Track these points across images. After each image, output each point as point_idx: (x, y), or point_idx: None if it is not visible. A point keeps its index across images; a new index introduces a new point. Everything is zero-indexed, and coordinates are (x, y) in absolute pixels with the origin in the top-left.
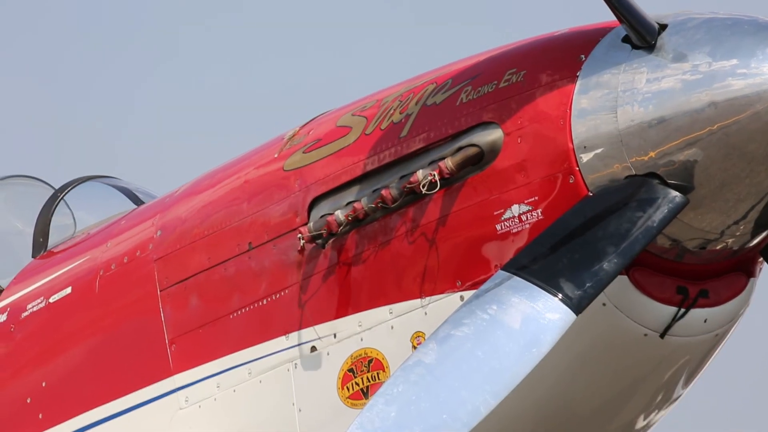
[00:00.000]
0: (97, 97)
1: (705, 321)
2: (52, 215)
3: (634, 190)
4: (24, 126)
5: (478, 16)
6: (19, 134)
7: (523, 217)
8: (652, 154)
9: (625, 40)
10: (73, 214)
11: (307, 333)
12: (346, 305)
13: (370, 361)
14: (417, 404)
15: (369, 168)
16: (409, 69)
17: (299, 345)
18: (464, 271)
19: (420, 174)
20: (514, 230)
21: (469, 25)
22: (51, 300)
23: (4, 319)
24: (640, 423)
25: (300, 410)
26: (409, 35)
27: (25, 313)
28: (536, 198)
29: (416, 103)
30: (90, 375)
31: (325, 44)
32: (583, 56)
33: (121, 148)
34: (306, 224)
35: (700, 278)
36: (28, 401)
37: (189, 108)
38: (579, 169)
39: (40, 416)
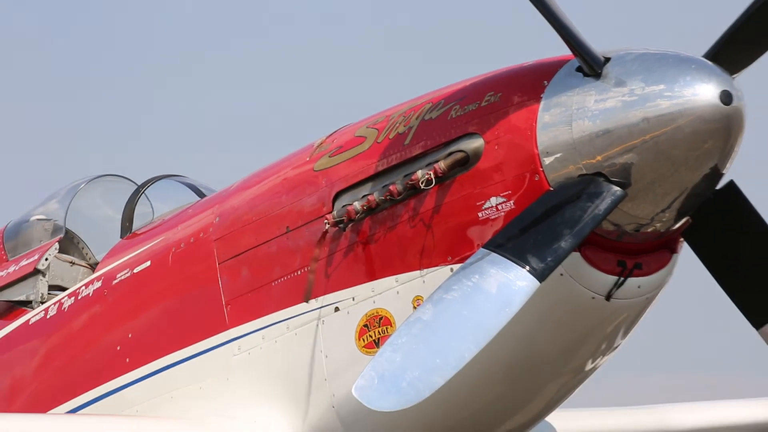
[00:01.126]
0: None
1: (639, 287)
2: (135, 205)
3: (584, 185)
4: (98, 134)
5: (464, 53)
6: (97, 140)
7: (499, 207)
8: (599, 157)
9: (578, 69)
10: (151, 205)
11: (332, 297)
12: (361, 275)
13: (380, 319)
14: (417, 351)
15: (380, 168)
16: (411, 92)
17: (326, 306)
18: (453, 248)
19: (419, 173)
20: (492, 217)
21: (459, 63)
22: (135, 271)
23: (100, 285)
24: (589, 366)
25: (326, 356)
26: (414, 67)
27: (115, 281)
28: (509, 192)
29: (416, 118)
30: (165, 328)
31: (340, 70)
32: (546, 82)
33: (186, 152)
34: (331, 212)
35: (635, 254)
36: (118, 348)
37: (245, 120)
38: (542, 170)
39: (127, 360)
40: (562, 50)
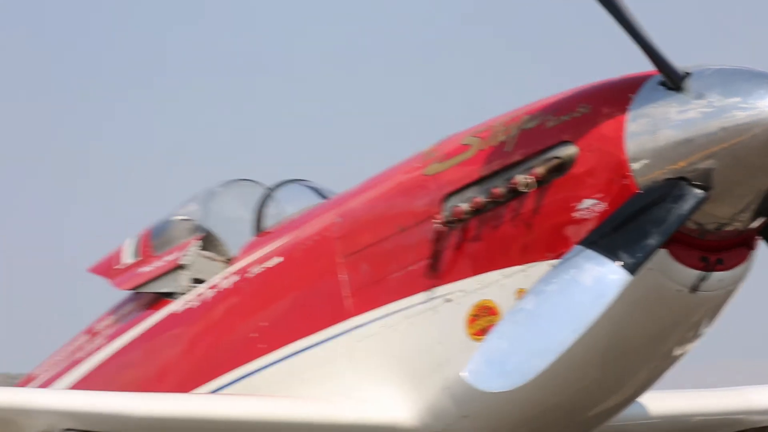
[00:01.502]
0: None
1: (720, 280)
2: (266, 204)
3: (669, 188)
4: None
5: (556, 69)
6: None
7: (592, 208)
8: (681, 163)
9: (662, 83)
10: (281, 205)
11: (444, 289)
12: (469, 269)
13: (488, 309)
14: (520, 338)
15: (484, 173)
16: (507, 105)
17: (438, 297)
18: (552, 245)
19: (520, 178)
20: (586, 217)
21: (552, 77)
22: (267, 265)
23: (235, 278)
24: (676, 352)
25: (439, 343)
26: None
27: (249, 275)
28: (601, 194)
29: (516, 128)
30: (294, 318)
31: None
32: (632, 95)
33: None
34: (440, 213)
35: (717, 250)
36: (253, 336)
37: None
38: (631, 174)
39: (261, 346)
40: (646, 66)
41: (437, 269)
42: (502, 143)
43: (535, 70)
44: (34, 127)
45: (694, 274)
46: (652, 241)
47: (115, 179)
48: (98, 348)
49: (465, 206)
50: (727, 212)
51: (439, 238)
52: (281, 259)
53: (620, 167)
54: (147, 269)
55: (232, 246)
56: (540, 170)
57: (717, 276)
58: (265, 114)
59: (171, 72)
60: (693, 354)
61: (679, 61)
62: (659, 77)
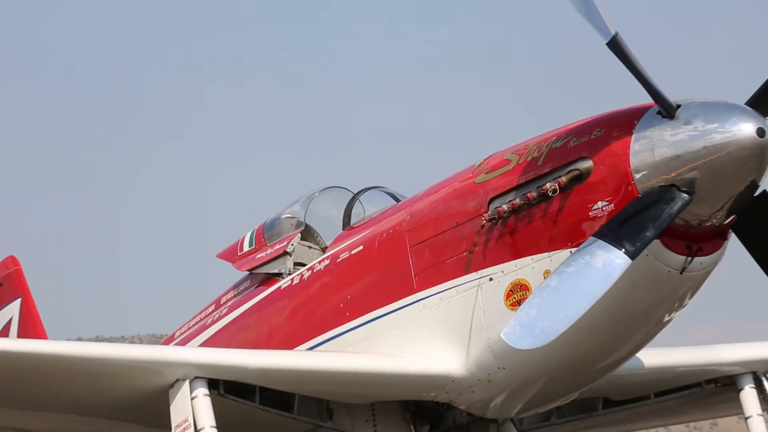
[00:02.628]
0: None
1: (701, 264)
2: (352, 206)
3: (663, 193)
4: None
5: (574, 102)
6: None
7: (604, 208)
8: (672, 174)
9: (658, 113)
10: (363, 207)
11: (487, 270)
12: (508, 255)
13: (521, 286)
14: (545, 308)
15: (521, 182)
16: (539, 129)
17: (483, 277)
18: (572, 237)
19: (548, 185)
20: (599, 215)
21: (571, 108)
22: (352, 252)
23: (328, 262)
24: (665, 319)
25: (483, 312)
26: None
27: (339, 260)
28: (611, 198)
29: (546, 146)
30: (372, 292)
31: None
32: (635, 121)
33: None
34: (487, 212)
35: (698, 241)
36: (341, 306)
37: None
38: (634, 182)
39: (347, 314)
40: (646, 99)
41: (483, 255)
42: (535, 159)
43: (559, 102)
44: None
45: (681, 258)
46: (648, 233)
47: (239, 185)
48: (222, 316)
49: (505, 207)
50: (706, 211)
51: (484, 231)
52: (363, 247)
53: (625, 177)
54: (261, 255)
55: (326, 238)
56: (564, 179)
57: (698, 260)
58: (353, 131)
59: (289, 95)
60: (678, 319)
61: (672, 94)
62: (656, 108)
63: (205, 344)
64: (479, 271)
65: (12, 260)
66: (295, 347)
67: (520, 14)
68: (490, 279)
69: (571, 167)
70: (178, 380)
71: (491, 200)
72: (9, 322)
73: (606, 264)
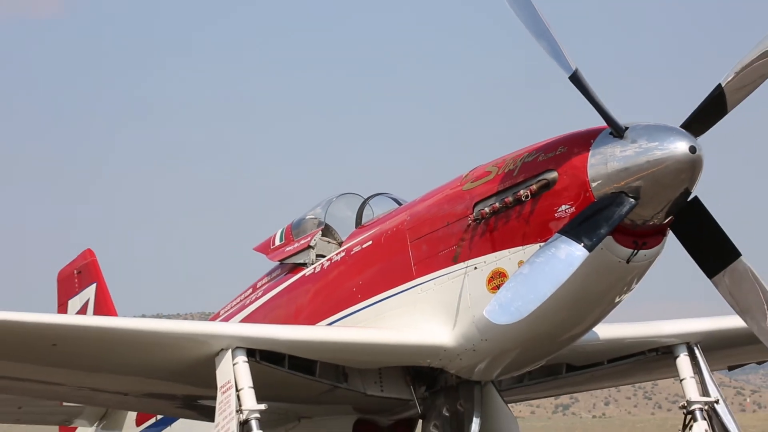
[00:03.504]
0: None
1: (645, 255)
2: (363, 209)
3: (614, 198)
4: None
5: (541, 124)
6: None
7: (567, 211)
8: (622, 183)
9: (610, 133)
10: (372, 209)
11: (472, 261)
12: (489, 249)
13: (500, 273)
14: (519, 291)
15: (500, 189)
16: (515, 145)
17: (469, 266)
18: (541, 234)
19: (522, 192)
20: (563, 216)
21: (538, 130)
22: (363, 246)
23: (344, 254)
24: (616, 300)
25: (469, 294)
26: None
27: (352, 252)
28: (572, 202)
29: (520, 160)
30: (379, 278)
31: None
32: (592, 140)
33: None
34: (472, 214)
35: (642, 237)
36: (354, 290)
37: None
38: (591, 190)
39: (359, 296)
40: (599, 122)
41: (469, 248)
42: (511, 170)
43: (530, 123)
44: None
45: (628, 251)
46: (602, 230)
47: (267, 190)
48: (258, 297)
49: (487, 209)
50: (649, 213)
51: (470, 229)
52: (372, 242)
53: (584, 185)
54: (289, 248)
55: (342, 234)
56: (534, 187)
57: (643, 252)
58: (365, 143)
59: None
60: (626, 301)
61: (622, 117)
62: (609, 129)
63: (244, 321)
64: (466, 262)
65: (89, 252)
66: (317, 323)
67: (497, 50)
68: (475, 268)
69: (540, 177)
70: (222, 350)
71: (476, 204)
72: (86, 303)
73: (568, 255)
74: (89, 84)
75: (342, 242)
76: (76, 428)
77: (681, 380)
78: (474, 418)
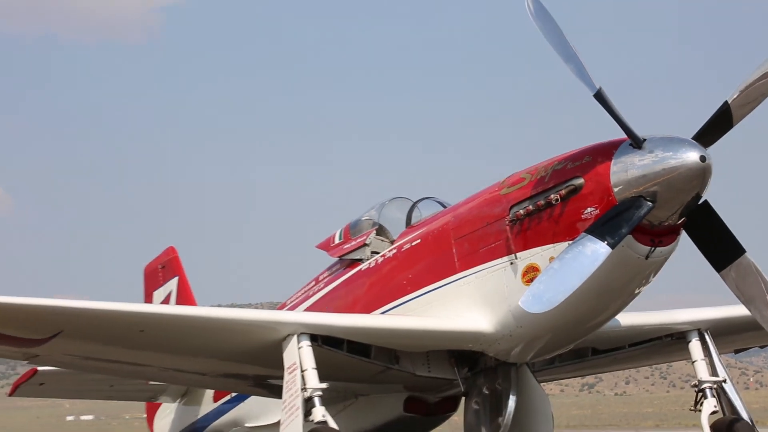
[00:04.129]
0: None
1: (661, 252)
2: (412, 211)
3: (633, 202)
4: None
5: (573, 135)
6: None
7: (592, 213)
8: (640, 188)
9: (630, 144)
10: (420, 211)
11: (509, 257)
12: (523, 246)
13: (533, 268)
14: (550, 283)
15: (533, 193)
16: (547, 153)
17: (508, 262)
18: (570, 233)
19: (552, 196)
20: (589, 217)
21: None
22: (412, 244)
23: (395, 251)
24: (636, 291)
25: (506, 286)
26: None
27: (403, 249)
28: (597, 205)
29: (551, 168)
30: (427, 272)
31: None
32: (614, 151)
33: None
34: (508, 215)
35: (659, 235)
36: (404, 282)
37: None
38: (613, 194)
39: (409, 288)
40: (620, 133)
41: (506, 246)
42: (543, 177)
43: (559, 137)
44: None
45: (646, 248)
46: (624, 230)
47: (327, 192)
48: (320, 289)
49: (522, 211)
50: (664, 215)
51: (507, 229)
52: (420, 240)
53: (607, 191)
54: (347, 246)
55: (393, 233)
56: (563, 192)
57: (659, 250)
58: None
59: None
60: (645, 291)
61: (641, 130)
62: (629, 141)
63: (308, 310)
64: (503, 257)
65: (171, 249)
66: (372, 312)
67: (526, 63)
68: (511, 263)
69: (569, 183)
70: (288, 335)
71: (511, 207)
72: (170, 294)
73: (593, 252)
74: (174, 98)
75: (394, 240)
76: (160, 404)
77: (693, 362)
78: (510, 396)
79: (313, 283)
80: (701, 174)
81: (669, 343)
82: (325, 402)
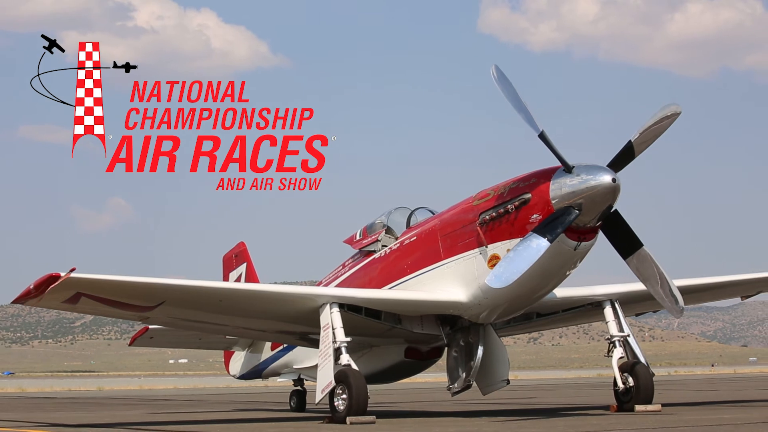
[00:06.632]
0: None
1: (585, 245)
2: (410, 217)
3: (565, 210)
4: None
5: (514, 165)
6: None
7: (537, 218)
8: (571, 201)
9: (563, 170)
10: (416, 217)
11: (478, 249)
12: (489, 241)
13: (496, 257)
14: (507, 267)
15: (496, 204)
16: (499, 177)
17: (478, 252)
18: (521, 232)
19: (509, 206)
20: (535, 222)
21: (515, 166)
22: (411, 240)
23: (399, 245)
24: (567, 274)
25: (476, 269)
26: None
27: (404, 243)
28: (540, 212)
29: (508, 187)
30: (420, 260)
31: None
32: (552, 174)
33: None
34: (478, 219)
35: (584, 234)
36: (405, 267)
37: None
38: (552, 205)
39: (408, 271)
40: (555, 162)
41: (476, 241)
42: (503, 192)
43: (516, 163)
44: None
45: (575, 243)
46: (559, 230)
47: (354, 201)
48: (345, 271)
49: (488, 217)
50: (587, 219)
51: (477, 229)
52: (416, 237)
53: (548, 203)
54: (365, 241)
55: (397, 232)
56: (517, 203)
57: (584, 244)
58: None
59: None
60: (573, 274)
61: (571, 158)
62: (563, 168)
63: (337, 286)
64: (475, 249)
65: (242, 244)
66: (382, 288)
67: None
68: (480, 253)
69: (521, 197)
70: (324, 304)
71: (480, 213)
72: (240, 276)
73: (537, 245)
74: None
75: (398, 237)
76: (233, 352)
77: (606, 322)
78: (479, 346)
79: (341, 267)
80: (613, 191)
81: (590, 309)
82: (349, 350)
